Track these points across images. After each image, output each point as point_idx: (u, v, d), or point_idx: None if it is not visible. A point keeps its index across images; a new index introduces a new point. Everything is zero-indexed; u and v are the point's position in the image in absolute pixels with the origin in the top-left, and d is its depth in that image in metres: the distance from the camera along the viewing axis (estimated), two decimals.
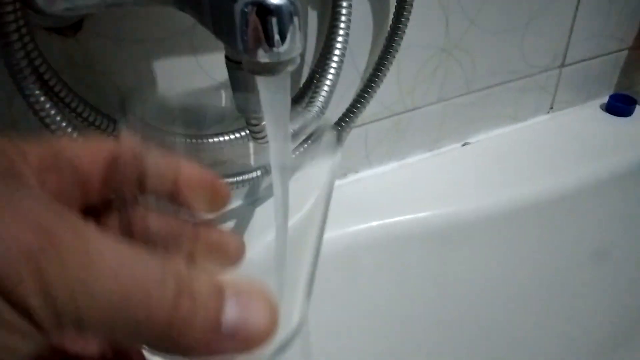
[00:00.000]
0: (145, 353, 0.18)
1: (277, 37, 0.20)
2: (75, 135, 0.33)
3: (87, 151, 0.18)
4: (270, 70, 0.21)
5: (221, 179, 0.20)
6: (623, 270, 0.63)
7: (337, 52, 0.37)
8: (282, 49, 0.20)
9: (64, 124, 0.32)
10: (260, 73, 0.21)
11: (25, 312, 0.11)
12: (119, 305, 0.13)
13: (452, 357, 0.57)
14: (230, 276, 0.16)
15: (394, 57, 0.43)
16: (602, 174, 0.58)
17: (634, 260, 0.64)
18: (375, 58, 0.44)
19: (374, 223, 0.49)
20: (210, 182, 0.20)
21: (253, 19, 0.20)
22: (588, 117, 0.62)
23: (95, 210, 0.19)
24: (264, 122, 0.28)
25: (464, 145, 0.57)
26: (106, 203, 0.19)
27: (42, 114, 0.31)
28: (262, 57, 0.20)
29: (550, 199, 0.55)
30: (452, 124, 0.55)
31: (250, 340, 0.15)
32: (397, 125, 0.51)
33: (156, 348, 0.14)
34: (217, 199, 0.19)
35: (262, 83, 0.22)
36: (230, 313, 0.14)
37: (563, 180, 0.56)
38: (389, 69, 0.44)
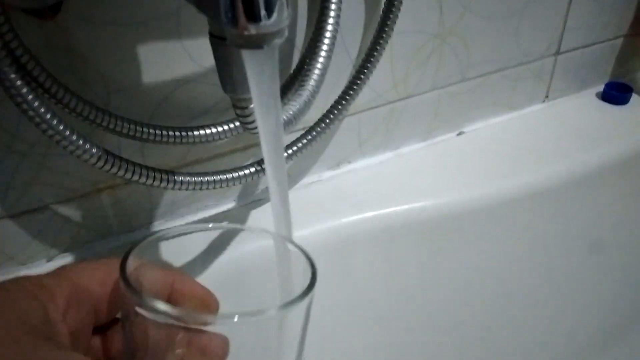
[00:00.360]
0: None
1: (263, 8, 0.19)
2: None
3: (98, 277, 0.22)
4: (256, 43, 0.19)
5: (210, 293, 0.24)
6: (620, 258, 0.63)
7: (328, 34, 0.36)
8: (269, 20, 0.19)
9: (42, 110, 0.30)
10: (246, 46, 0.20)
11: None
12: None
13: (448, 347, 0.57)
14: None
15: (387, 42, 0.42)
16: (598, 163, 0.57)
17: (631, 248, 0.63)
18: (368, 44, 0.43)
19: (369, 214, 0.48)
20: (200, 294, 0.24)
21: None
22: (584, 106, 0.62)
23: (103, 325, 0.23)
24: (252, 105, 0.27)
25: (459, 134, 0.56)
26: (112, 319, 0.23)
27: (19, 99, 0.29)
28: (248, 29, 0.19)
29: (546, 188, 0.55)
30: (446, 113, 0.54)
31: None
32: (390, 114, 0.50)
33: None
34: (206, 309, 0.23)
35: (249, 58, 0.20)
36: None
37: (559, 169, 0.55)
38: (381, 54, 0.43)
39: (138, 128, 0.36)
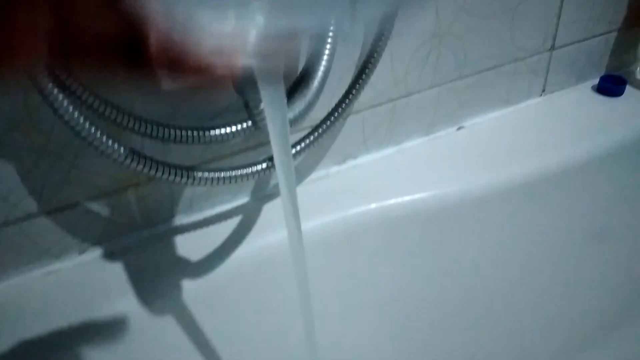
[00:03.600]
0: None
1: None
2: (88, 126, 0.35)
3: None
4: None
5: None
6: (617, 246, 0.65)
7: (329, 39, 0.39)
8: None
9: (76, 115, 0.34)
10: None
11: None
12: None
13: (453, 336, 0.59)
14: None
15: (386, 44, 0.45)
16: (595, 153, 0.59)
17: (629, 236, 0.65)
18: (368, 45, 0.46)
19: (373, 205, 0.51)
20: None
21: None
22: (580, 99, 0.64)
23: None
24: (262, 106, 0.30)
25: (459, 129, 0.59)
26: None
27: (56, 105, 0.33)
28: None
29: (544, 178, 0.57)
30: (446, 109, 0.57)
31: None
32: (392, 111, 0.53)
33: None
34: None
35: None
36: None
37: (557, 161, 0.58)
38: (381, 55, 0.46)
39: (160, 129, 0.39)
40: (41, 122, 0.38)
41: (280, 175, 0.29)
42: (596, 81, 0.65)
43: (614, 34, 0.64)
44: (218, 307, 0.45)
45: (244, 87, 0.26)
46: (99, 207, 0.44)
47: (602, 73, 0.66)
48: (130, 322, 0.42)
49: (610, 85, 0.63)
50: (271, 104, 0.26)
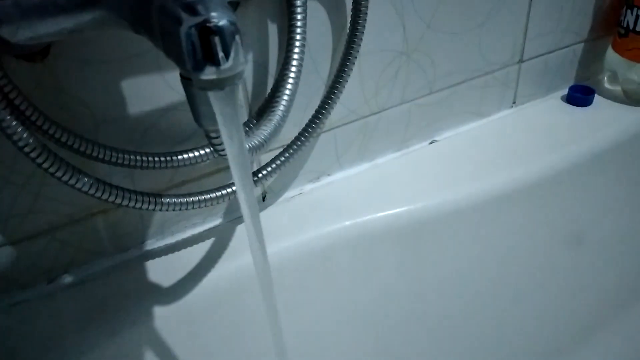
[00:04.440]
0: None
1: (221, 55, 0.22)
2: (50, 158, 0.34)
3: None
4: (217, 85, 0.23)
5: None
6: (592, 254, 0.66)
7: (294, 62, 0.40)
8: (227, 65, 0.22)
9: (36, 146, 0.33)
10: (209, 89, 0.23)
11: None
12: None
13: (434, 349, 0.59)
14: None
15: (354, 63, 0.46)
16: (567, 162, 0.60)
17: (601, 244, 0.66)
18: (337, 64, 0.46)
19: (347, 222, 0.51)
20: None
21: (197, 40, 0.22)
22: (550, 109, 0.65)
23: None
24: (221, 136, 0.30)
25: (431, 143, 0.59)
26: None
27: (15, 137, 0.32)
28: (209, 74, 0.22)
29: (517, 189, 0.58)
30: (418, 124, 0.57)
31: None
32: (364, 128, 0.54)
33: None
34: None
35: (213, 97, 0.23)
36: None
37: (529, 171, 0.58)
38: (349, 74, 0.46)
39: (126, 156, 0.39)
40: (3, 153, 0.37)
41: (241, 201, 0.29)
42: (565, 91, 0.66)
43: (581, 45, 0.65)
44: (191, 332, 0.45)
45: (202, 118, 0.26)
46: (67, 235, 0.43)
47: (571, 83, 0.67)
48: (102, 351, 0.41)
49: (580, 95, 0.64)
50: (229, 134, 0.26)
